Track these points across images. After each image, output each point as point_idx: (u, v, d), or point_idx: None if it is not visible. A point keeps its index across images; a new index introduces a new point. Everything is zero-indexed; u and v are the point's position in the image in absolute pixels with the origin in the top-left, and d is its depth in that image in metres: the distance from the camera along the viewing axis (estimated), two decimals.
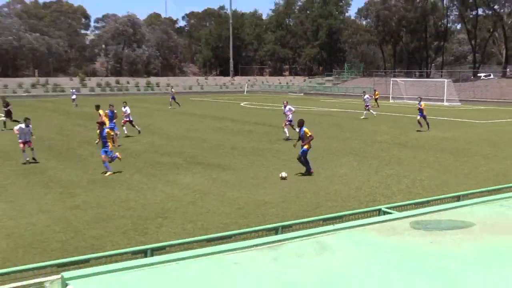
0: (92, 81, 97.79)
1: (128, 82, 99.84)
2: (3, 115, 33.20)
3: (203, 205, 13.50)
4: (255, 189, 15.39)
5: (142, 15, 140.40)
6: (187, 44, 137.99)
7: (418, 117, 30.75)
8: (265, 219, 12.12)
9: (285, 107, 29.14)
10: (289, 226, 6.95)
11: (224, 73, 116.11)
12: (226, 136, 28.30)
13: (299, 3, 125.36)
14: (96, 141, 18.59)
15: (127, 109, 28.32)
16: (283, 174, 16.94)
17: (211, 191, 15.05)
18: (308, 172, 17.62)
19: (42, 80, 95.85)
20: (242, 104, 58.62)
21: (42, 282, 5.73)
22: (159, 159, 20.72)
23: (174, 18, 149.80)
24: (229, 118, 38.95)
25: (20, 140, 19.61)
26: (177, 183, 16.27)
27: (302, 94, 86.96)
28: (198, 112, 45.53)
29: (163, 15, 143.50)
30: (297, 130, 19.84)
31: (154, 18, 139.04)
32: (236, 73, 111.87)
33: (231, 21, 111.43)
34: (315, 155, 21.47)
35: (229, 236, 6.60)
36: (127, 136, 27.50)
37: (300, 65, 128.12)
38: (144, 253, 5.95)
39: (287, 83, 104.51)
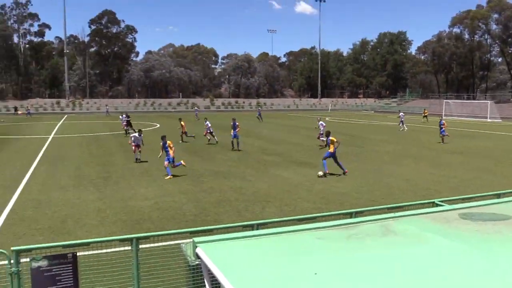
0: (218, 101, 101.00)
1: (243, 102, 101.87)
2: (124, 124, 32.91)
3: (296, 193, 13.40)
4: (335, 183, 15.06)
5: (254, 54, 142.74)
6: (287, 74, 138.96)
7: (441, 133, 27.32)
8: (342, 205, 11.82)
9: (318, 121, 28.39)
10: (361, 212, 6.71)
11: (313, 95, 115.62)
12: (314, 141, 28.01)
13: (371, 43, 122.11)
14: (159, 155, 17.18)
15: (208, 123, 27.75)
16: (320, 173, 16.02)
17: (302, 183, 14.91)
18: (324, 174, 15.97)
19: (184, 100, 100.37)
20: (327, 118, 57.84)
21: (179, 244, 5.91)
22: (265, 158, 20.87)
23: (278, 56, 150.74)
24: (315, 129, 38.47)
25: (133, 144, 19.59)
26: (277, 176, 16.28)
27: (373, 111, 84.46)
28: (294, 124, 45.51)
29: (270, 54, 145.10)
30: (325, 139, 19.47)
31: (263, 55, 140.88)
32: (322, 96, 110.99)
33: (319, 57, 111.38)
34: (385, 157, 20.72)
35: (314, 218, 6.47)
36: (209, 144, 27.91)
37: (371, 90, 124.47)
38: (252, 227, 5.97)
39: (361, 103, 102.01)
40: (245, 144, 26.48)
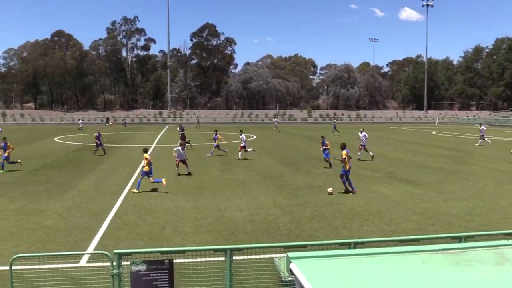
0: (316, 113, 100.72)
1: (342, 114, 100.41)
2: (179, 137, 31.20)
3: (397, 212, 12.82)
4: (442, 202, 14.15)
5: (355, 63, 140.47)
6: (389, 85, 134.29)
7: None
8: (451, 228, 11.05)
9: (361, 133, 26.72)
10: (472, 236, 6.21)
11: (419, 107, 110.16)
12: (416, 156, 26.65)
13: (486, 50, 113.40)
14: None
15: (243, 137, 26.06)
16: (330, 190, 15.30)
17: (404, 201, 14.23)
18: (347, 191, 15.35)
19: (281, 111, 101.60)
20: (433, 132, 54.81)
21: (272, 258, 5.96)
22: (363, 173, 20.30)
23: (380, 65, 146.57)
24: (420, 143, 36.66)
25: (177, 159, 19.33)
26: (377, 192, 15.73)
27: (487, 125, 78.15)
28: (396, 138, 43.76)
29: (371, 63, 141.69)
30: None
31: (364, 65, 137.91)
32: (429, 108, 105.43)
33: (426, 66, 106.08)
34: (501, 176, 19.05)
35: (418, 239, 6.13)
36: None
37: (486, 101, 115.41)
38: (348, 245, 5.82)
39: (473, 116, 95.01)
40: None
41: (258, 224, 11.50)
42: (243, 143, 25.56)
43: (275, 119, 72.23)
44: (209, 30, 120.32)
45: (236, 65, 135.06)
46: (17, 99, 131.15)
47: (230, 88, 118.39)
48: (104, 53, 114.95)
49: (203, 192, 15.52)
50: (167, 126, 70.44)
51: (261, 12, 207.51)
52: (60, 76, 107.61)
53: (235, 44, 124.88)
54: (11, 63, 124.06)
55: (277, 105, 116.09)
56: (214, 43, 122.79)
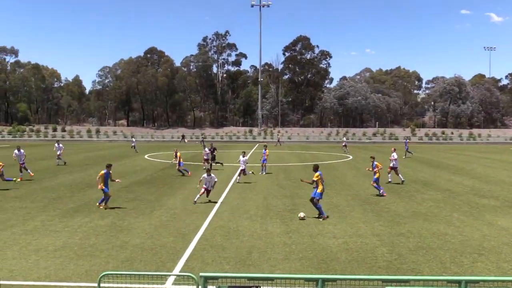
0: (420, 132, 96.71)
1: (452, 133, 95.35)
2: (207, 157, 31.45)
3: None
4: None
5: (467, 76, 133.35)
6: (509, 99, 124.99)
7: None
8: None
9: (393, 151, 25.26)
10: None
11: None
12: None
13: None
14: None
15: (244, 159, 24.87)
16: (301, 215, 15.14)
17: None
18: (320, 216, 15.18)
19: (381, 130, 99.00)
20: None
21: None
22: (478, 200, 18.99)
23: (497, 78, 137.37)
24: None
25: (204, 186, 17.99)
26: (494, 224, 14.59)
27: None
28: None
29: (486, 76, 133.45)
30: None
31: (478, 78, 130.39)
32: None
33: None
34: None
35: None
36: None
37: None
38: (458, 283, 5.45)
39: None
40: (452, 183, 24.65)
41: (353, 253, 11.20)
42: (242, 165, 24.51)
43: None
44: (302, 43, 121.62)
45: (331, 80, 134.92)
46: (111, 116, 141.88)
47: (325, 104, 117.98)
48: (195, 69, 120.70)
49: (293, 216, 15.50)
50: (257, 145, 71.76)
51: (359, 22, 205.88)
52: (151, 93, 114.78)
53: (330, 57, 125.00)
54: (106, 81, 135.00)
55: (376, 122, 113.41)
56: (308, 56, 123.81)
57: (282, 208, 16.96)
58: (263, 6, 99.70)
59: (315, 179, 15.41)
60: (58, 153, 34.44)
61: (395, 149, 25.75)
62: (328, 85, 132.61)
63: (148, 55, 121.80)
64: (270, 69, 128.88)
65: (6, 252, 11.07)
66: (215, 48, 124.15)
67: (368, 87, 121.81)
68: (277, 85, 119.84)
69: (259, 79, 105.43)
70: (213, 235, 12.87)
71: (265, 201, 18.47)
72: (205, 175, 18.24)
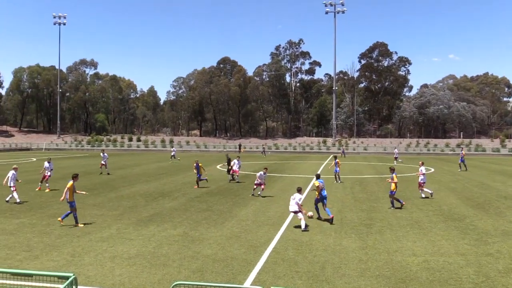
0: (511, 143, 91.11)
1: None
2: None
3: None
4: None
5: None
6: None
7: None
8: None
9: (421, 165, 24.13)
10: None
11: None
12: None
13: None
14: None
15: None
16: (310, 214, 16.44)
17: None
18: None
19: (466, 141, 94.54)
20: None
21: None
22: None
23: None
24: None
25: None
26: None
27: None
28: None
29: None
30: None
31: None
32: None
33: None
34: None
35: None
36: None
37: None
38: None
39: None
40: None
41: (435, 273, 10.72)
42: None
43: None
44: (379, 49, 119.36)
45: (410, 88, 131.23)
46: (184, 126, 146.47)
47: (404, 113, 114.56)
48: (267, 79, 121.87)
49: (370, 231, 15.14)
50: (331, 156, 70.99)
51: (442, 26, 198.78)
52: (224, 103, 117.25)
53: (409, 64, 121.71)
54: (180, 91, 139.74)
55: (461, 132, 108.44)
56: (386, 63, 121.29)
57: (358, 222, 16.61)
58: (337, 13, 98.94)
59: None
60: (102, 162, 36.22)
61: (422, 163, 24.80)
62: (407, 94, 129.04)
63: (221, 65, 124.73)
64: (345, 77, 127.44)
65: (83, 258, 11.69)
66: (288, 56, 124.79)
67: (452, 95, 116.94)
68: (353, 94, 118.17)
69: (333, 88, 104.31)
70: (285, 248, 12.84)
71: (339, 215, 18.20)
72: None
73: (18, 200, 20.79)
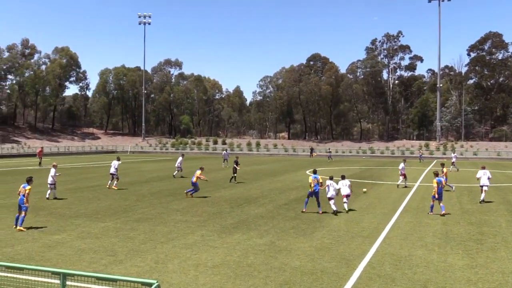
0: None
1: None
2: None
3: None
4: None
5: None
6: None
7: None
8: None
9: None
10: None
11: None
12: None
13: None
14: None
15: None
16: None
17: None
18: None
19: None
20: None
21: None
22: None
23: None
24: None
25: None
26: None
27: None
28: None
29: None
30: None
31: None
32: None
33: None
34: None
35: None
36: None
37: None
38: None
39: None
40: None
41: None
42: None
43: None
44: (492, 40, 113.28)
45: None
46: (271, 128, 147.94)
47: None
48: (362, 76, 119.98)
49: (480, 247, 14.35)
50: (435, 161, 68.34)
51: None
52: (314, 103, 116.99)
53: None
54: (267, 91, 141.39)
55: None
56: (500, 56, 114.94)
57: (466, 237, 15.81)
58: (442, 1, 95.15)
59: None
60: (177, 165, 38.25)
61: (484, 167, 26.02)
62: None
63: (311, 62, 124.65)
64: (451, 73, 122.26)
65: (167, 265, 12.15)
66: (385, 51, 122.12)
67: None
68: (460, 92, 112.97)
69: (437, 85, 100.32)
70: (381, 263, 12.52)
71: (444, 228, 17.44)
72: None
73: (47, 196, 24.45)
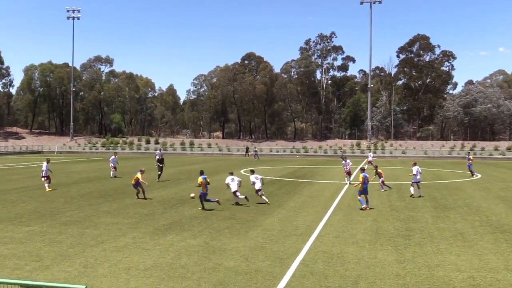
0: None
1: None
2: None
3: None
4: None
5: None
6: None
7: None
8: None
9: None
10: None
11: None
12: None
13: None
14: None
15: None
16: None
17: None
18: None
19: None
20: None
21: None
22: None
23: None
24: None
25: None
26: None
27: None
28: None
29: None
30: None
31: None
32: None
33: None
34: None
35: None
36: None
37: None
38: None
39: None
40: None
41: None
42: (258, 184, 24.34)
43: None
44: (420, 43, 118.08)
45: (455, 85, 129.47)
46: (205, 127, 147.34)
47: (447, 113, 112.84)
48: (296, 76, 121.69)
49: (408, 243, 14.94)
50: (365, 160, 70.40)
51: (491, 16, 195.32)
52: (248, 103, 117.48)
53: (454, 58, 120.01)
54: (201, 90, 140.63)
55: (511, 135, 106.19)
56: (427, 58, 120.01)
57: (395, 234, 16.41)
58: (373, 3, 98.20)
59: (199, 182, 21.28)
60: (112, 164, 37.69)
61: (415, 164, 27.85)
62: (451, 91, 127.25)
63: (246, 61, 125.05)
64: (382, 73, 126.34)
65: (97, 269, 11.85)
66: (319, 51, 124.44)
67: (501, 92, 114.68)
68: (390, 92, 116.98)
69: (369, 85, 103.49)
70: (314, 260, 12.78)
71: (374, 224, 18.02)
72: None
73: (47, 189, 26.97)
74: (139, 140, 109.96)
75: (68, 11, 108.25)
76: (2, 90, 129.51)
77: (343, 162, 33.75)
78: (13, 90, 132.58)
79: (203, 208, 21.33)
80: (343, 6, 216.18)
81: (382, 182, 29.42)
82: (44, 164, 29.42)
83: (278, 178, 37.25)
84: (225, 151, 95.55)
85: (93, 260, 12.66)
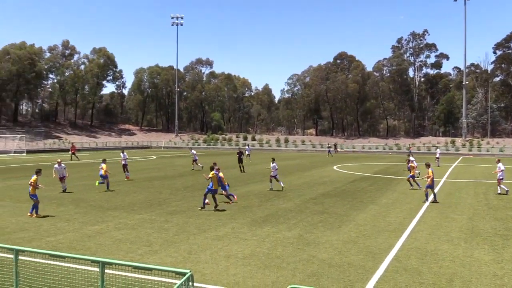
0: None
1: None
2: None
3: None
4: None
5: None
6: None
7: None
8: None
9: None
10: None
11: None
12: None
13: None
14: None
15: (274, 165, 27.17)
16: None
17: None
18: None
19: None
20: None
21: None
22: None
23: None
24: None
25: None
26: None
27: None
28: None
29: None
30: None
31: None
32: None
33: None
34: None
35: None
36: None
37: None
38: None
39: None
40: None
41: None
42: (274, 171, 26.59)
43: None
44: None
45: None
46: (299, 125, 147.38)
47: None
48: (388, 74, 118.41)
49: (506, 243, 14.04)
50: (461, 158, 67.09)
51: None
52: (341, 101, 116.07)
53: None
54: (295, 89, 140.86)
55: None
56: None
57: (492, 233, 15.48)
58: None
59: (210, 176, 19.55)
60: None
61: (499, 160, 26.50)
62: None
63: (338, 61, 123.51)
64: (477, 70, 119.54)
65: (200, 255, 12.26)
66: (411, 49, 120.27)
67: None
68: (486, 89, 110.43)
69: (463, 83, 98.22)
70: (408, 256, 12.37)
71: (470, 223, 17.13)
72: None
73: (63, 189, 25.04)
74: (237, 137, 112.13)
75: (172, 18, 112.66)
76: (116, 91, 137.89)
77: (409, 158, 32.79)
78: (125, 91, 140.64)
79: (203, 207, 19.90)
80: (435, 3, 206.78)
81: (412, 177, 27.73)
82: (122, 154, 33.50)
83: (371, 175, 36.46)
84: (318, 147, 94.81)
85: (196, 247, 13.10)
